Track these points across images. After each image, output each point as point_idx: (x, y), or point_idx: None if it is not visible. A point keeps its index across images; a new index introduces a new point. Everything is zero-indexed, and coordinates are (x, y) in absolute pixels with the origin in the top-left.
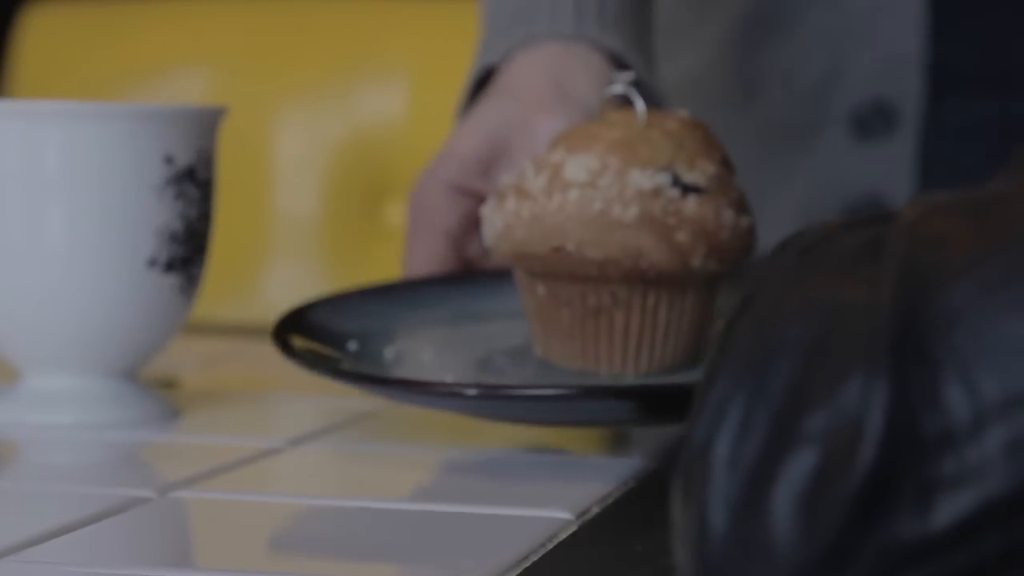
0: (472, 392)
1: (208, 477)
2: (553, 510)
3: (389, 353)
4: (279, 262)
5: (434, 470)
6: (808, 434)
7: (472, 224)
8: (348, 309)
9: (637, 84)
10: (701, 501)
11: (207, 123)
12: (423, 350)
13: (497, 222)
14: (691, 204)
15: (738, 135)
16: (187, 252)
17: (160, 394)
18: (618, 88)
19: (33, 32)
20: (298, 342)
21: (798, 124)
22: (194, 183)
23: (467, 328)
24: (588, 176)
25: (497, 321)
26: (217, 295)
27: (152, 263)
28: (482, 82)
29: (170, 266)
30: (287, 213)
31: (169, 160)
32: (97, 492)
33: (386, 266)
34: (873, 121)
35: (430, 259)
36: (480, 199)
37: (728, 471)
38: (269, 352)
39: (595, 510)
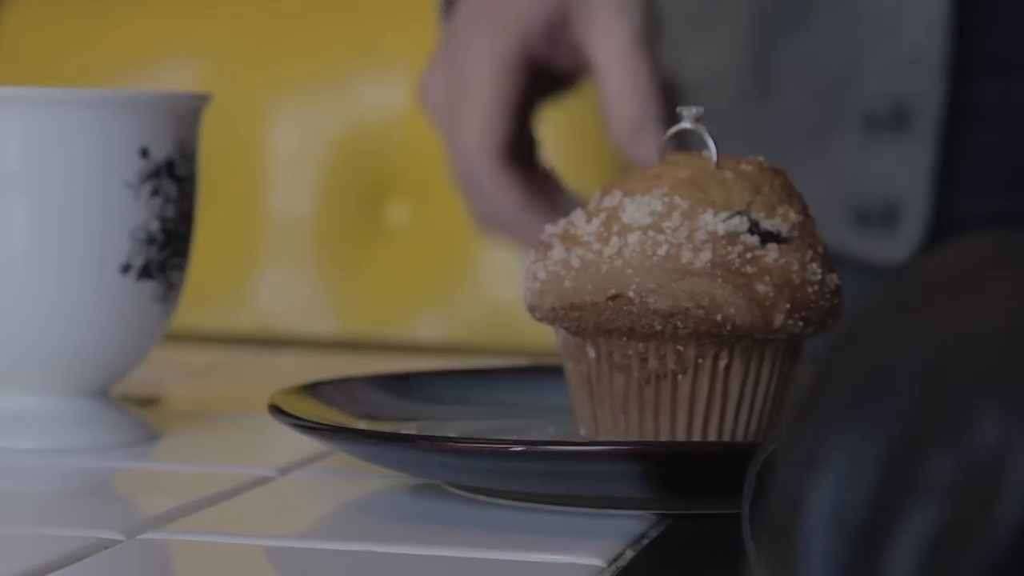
0: (535, 448)
1: (187, 513)
2: (581, 555)
3: (406, 432)
4: (272, 265)
5: (444, 505)
6: (930, 484)
7: (532, 96)
8: (353, 392)
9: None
10: (795, 565)
11: (188, 112)
12: (446, 433)
13: (540, 273)
14: (772, 253)
15: (754, 133)
16: (165, 256)
17: (136, 414)
18: (685, 124)
19: (14, 23)
20: (301, 409)
21: (812, 122)
22: (173, 179)
23: (492, 420)
24: (651, 219)
25: (524, 416)
26: (204, 301)
27: (125, 269)
28: None
29: (146, 272)
30: (280, 213)
31: (144, 153)
32: (55, 533)
33: (387, 270)
34: (889, 121)
35: (485, 128)
36: (543, 67)
37: (830, 529)
38: (260, 364)
39: (629, 554)
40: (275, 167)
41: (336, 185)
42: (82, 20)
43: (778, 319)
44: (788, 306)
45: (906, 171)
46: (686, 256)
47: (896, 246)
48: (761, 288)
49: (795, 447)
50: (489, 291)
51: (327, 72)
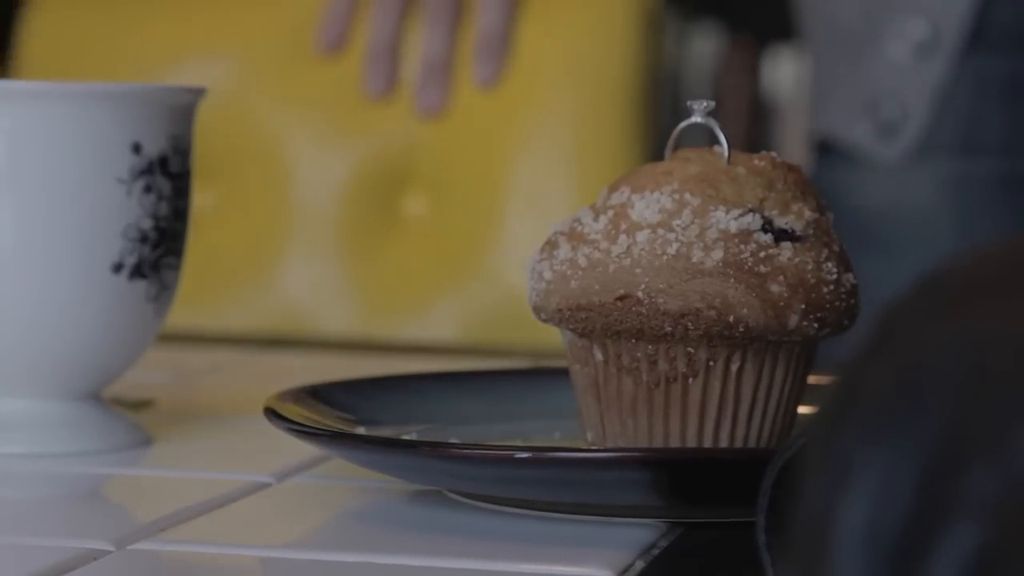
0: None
1: (180, 522)
2: (589, 566)
3: (407, 437)
4: (292, 259)
5: (446, 513)
6: (971, 499)
7: None
8: (352, 395)
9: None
10: None
11: (182, 106)
12: (448, 438)
13: (545, 273)
14: (786, 252)
15: (814, 33)
16: (158, 255)
17: (129, 418)
18: (695, 118)
19: (39, 27)
20: (298, 413)
21: (859, 34)
22: (166, 175)
23: (495, 425)
24: (661, 216)
25: (529, 421)
26: (204, 301)
27: (117, 268)
28: None
29: (138, 271)
30: (302, 206)
31: (137, 149)
32: (41, 543)
33: (405, 263)
34: (920, 41)
35: None
36: None
37: (863, 548)
38: (257, 366)
39: (639, 565)
40: (296, 160)
41: (356, 178)
42: (107, 23)
43: (792, 320)
44: (803, 307)
45: (924, 88)
46: (697, 255)
47: (895, 147)
48: (775, 288)
49: (824, 459)
50: (505, 282)
51: (349, 67)
